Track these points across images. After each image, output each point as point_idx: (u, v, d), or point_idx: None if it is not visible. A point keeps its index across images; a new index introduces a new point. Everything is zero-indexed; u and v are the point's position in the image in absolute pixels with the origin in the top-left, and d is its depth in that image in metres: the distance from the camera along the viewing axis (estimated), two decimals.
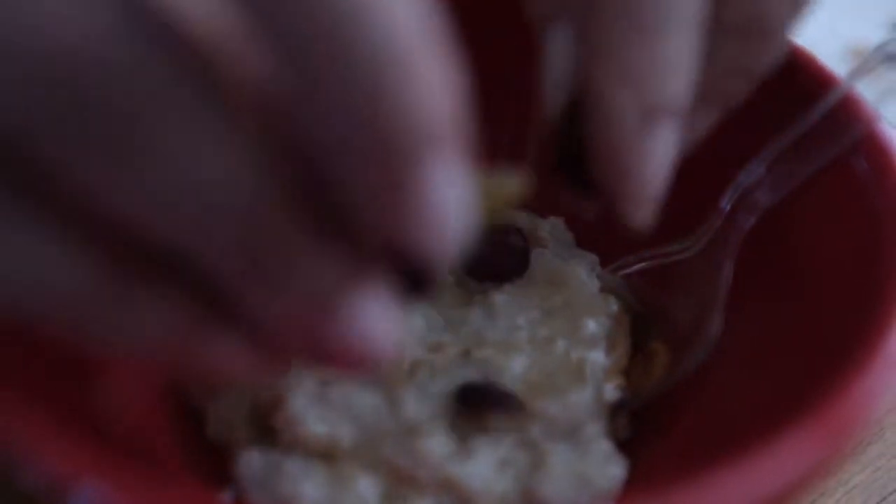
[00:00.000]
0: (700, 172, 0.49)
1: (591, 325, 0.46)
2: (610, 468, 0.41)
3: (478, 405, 0.41)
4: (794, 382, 0.37)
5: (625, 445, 0.44)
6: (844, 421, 0.31)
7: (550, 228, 0.54)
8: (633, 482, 0.41)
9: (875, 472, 0.49)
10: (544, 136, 0.37)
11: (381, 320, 0.24)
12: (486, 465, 0.40)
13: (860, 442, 0.49)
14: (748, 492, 0.29)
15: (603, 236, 0.53)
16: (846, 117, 0.42)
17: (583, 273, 0.49)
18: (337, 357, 0.24)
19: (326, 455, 0.40)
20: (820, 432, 0.30)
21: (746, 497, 0.29)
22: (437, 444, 0.40)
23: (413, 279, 0.22)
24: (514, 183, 0.29)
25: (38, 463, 0.29)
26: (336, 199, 0.21)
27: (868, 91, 0.43)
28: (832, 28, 0.73)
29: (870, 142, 0.41)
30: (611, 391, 0.45)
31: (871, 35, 0.74)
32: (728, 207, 0.45)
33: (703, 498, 0.29)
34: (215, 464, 0.43)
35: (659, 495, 0.29)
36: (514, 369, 0.43)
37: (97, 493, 0.29)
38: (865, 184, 0.40)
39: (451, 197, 0.20)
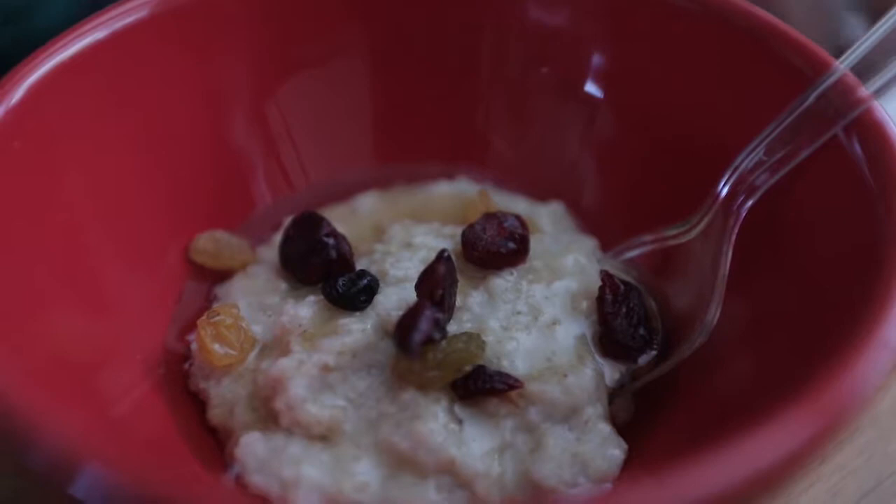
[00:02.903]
0: (698, 156, 0.49)
1: (591, 310, 0.47)
2: (608, 450, 0.41)
3: (477, 389, 0.41)
4: (789, 364, 0.37)
5: (625, 427, 0.44)
6: (837, 402, 0.31)
7: (551, 213, 0.54)
8: (632, 463, 0.42)
9: (870, 457, 0.49)
10: None
11: None
12: (485, 447, 0.41)
13: (855, 426, 0.49)
14: (742, 471, 0.29)
15: (604, 220, 0.54)
16: (840, 100, 0.42)
17: (582, 258, 0.49)
18: None
19: (327, 438, 0.41)
20: (813, 413, 0.30)
21: (740, 476, 0.29)
22: (436, 427, 0.40)
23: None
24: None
25: (45, 445, 0.30)
26: None
27: None
28: None
29: (864, 123, 0.41)
30: (610, 375, 0.45)
31: None
32: (726, 190, 0.46)
33: (697, 478, 0.29)
34: (216, 447, 0.43)
35: (655, 476, 0.29)
36: (515, 354, 0.44)
37: (101, 475, 0.29)
38: (860, 165, 0.40)
39: None
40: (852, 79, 0.42)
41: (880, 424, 0.50)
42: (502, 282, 0.47)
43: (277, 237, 0.51)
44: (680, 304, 0.48)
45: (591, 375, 0.44)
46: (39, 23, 0.62)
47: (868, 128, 0.41)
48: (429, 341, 0.41)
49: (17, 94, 0.42)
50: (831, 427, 0.31)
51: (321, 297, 0.46)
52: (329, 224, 0.49)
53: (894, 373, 0.32)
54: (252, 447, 0.40)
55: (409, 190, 0.56)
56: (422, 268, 0.45)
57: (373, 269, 0.47)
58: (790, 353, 0.38)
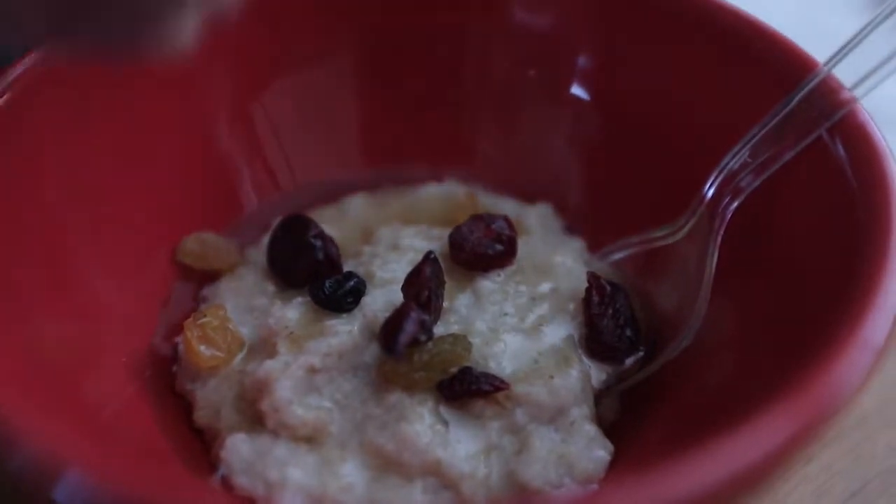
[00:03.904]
0: (684, 158, 0.49)
1: (578, 312, 0.47)
2: (594, 451, 0.41)
3: (463, 391, 0.41)
4: (773, 364, 0.37)
5: (611, 428, 0.44)
6: (819, 401, 0.31)
7: (538, 215, 0.54)
8: (618, 464, 0.42)
9: (857, 458, 0.49)
10: None
11: None
12: (471, 449, 0.41)
13: (838, 426, 0.49)
14: (726, 470, 0.29)
15: (591, 222, 0.54)
16: (824, 102, 0.42)
17: (569, 260, 0.50)
18: None
19: (312, 439, 0.41)
20: (796, 412, 0.30)
21: (724, 475, 0.29)
22: (422, 429, 0.40)
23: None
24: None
25: (27, 448, 0.30)
26: None
27: None
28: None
29: (847, 125, 0.42)
30: (597, 376, 0.45)
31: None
32: (711, 192, 0.46)
33: (682, 478, 0.29)
34: (201, 449, 0.43)
35: (640, 477, 0.29)
36: (501, 355, 0.44)
37: (84, 478, 0.29)
38: (843, 166, 0.41)
39: None
40: (836, 81, 0.42)
41: (867, 425, 0.50)
42: (489, 283, 0.47)
43: (265, 239, 0.51)
44: (666, 305, 0.48)
45: (578, 377, 0.44)
46: None
47: (851, 130, 0.41)
48: (414, 343, 0.41)
49: (2, 96, 0.42)
50: (814, 426, 0.31)
51: (308, 298, 0.46)
52: (316, 226, 0.49)
53: (879, 374, 0.33)
54: (238, 449, 0.40)
55: (397, 192, 0.56)
56: (409, 269, 0.45)
57: (360, 271, 0.47)
58: (774, 353, 0.39)
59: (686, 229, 0.47)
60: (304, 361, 0.42)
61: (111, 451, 0.36)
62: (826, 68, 0.43)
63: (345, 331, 0.44)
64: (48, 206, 0.43)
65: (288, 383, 0.41)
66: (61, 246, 0.43)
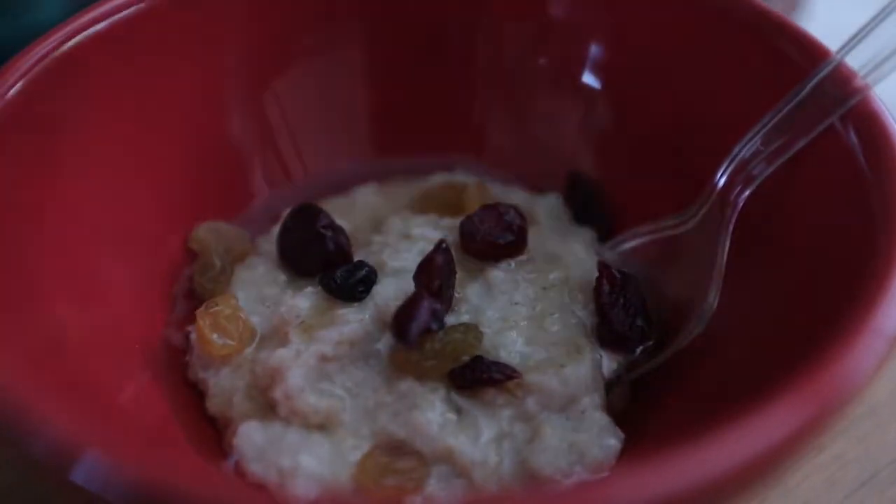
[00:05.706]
0: (695, 147, 0.49)
1: (588, 301, 0.47)
2: (605, 439, 0.42)
3: (475, 379, 0.42)
4: (784, 352, 0.37)
5: (621, 416, 0.44)
6: (830, 389, 0.31)
7: (548, 205, 0.54)
8: (629, 451, 0.42)
9: (868, 447, 0.49)
10: None
11: None
12: (483, 437, 0.41)
13: (849, 415, 0.49)
14: (735, 458, 0.29)
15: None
16: (837, 89, 0.42)
17: (580, 249, 0.50)
18: None
19: (324, 427, 0.41)
20: (806, 401, 0.30)
21: (734, 463, 0.29)
22: (434, 417, 0.40)
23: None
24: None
25: (45, 432, 0.30)
26: None
27: None
28: None
29: (860, 113, 0.41)
30: (607, 365, 0.45)
31: None
32: (723, 181, 0.46)
33: (691, 466, 0.29)
34: (214, 437, 0.43)
35: (650, 464, 0.29)
36: (512, 344, 0.44)
37: (101, 460, 0.29)
38: (856, 154, 0.40)
39: None
40: (849, 69, 0.42)
41: (878, 414, 0.50)
42: (500, 273, 0.47)
43: (276, 229, 0.51)
44: (677, 294, 0.48)
45: (589, 366, 0.44)
46: (40, 15, 0.62)
47: (864, 117, 0.41)
48: (426, 331, 0.41)
49: (16, 84, 0.42)
50: (825, 415, 0.31)
51: (319, 288, 0.46)
52: (327, 216, 0.49)
53: (891, 363, 0.33)
54: (250, 436, 0.41)
55: (408, 182, 0.56)
56: (419, 259, 0.45)
57: (370, 261, 0.48)
58: (785, 341, 0.38)
59: (697, 218, 0.47)
60: (315, 350, 0.43)
61: (127, 435, 0.36)
62: (839, 56, 0.43)
63: (356, 319, 0.44)
64: (62, 194, 0.43)
65: (300, 371, 0.42)
66: (75, 233, 0.44)
